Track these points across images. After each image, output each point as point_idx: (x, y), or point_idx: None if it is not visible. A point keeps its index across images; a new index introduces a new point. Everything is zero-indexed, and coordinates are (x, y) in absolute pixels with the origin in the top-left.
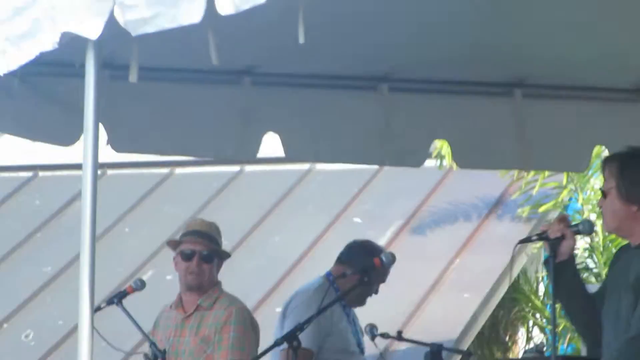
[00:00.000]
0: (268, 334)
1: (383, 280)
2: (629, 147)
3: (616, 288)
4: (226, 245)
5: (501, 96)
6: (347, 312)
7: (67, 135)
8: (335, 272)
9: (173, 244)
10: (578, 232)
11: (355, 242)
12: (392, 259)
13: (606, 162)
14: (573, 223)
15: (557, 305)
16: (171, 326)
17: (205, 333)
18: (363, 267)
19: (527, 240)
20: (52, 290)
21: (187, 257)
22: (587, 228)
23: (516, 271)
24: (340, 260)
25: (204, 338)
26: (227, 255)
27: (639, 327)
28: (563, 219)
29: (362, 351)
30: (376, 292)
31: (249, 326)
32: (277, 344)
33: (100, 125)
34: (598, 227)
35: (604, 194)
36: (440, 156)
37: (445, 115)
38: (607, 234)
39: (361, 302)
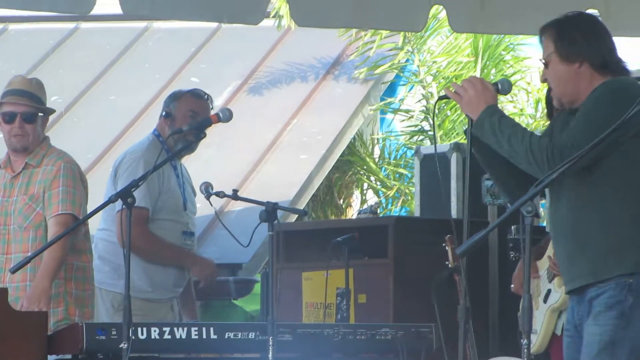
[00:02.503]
0: (103, 191)
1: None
2: (564, 14)
3: None
4: (61, 102)
5: None
6: (174, 166)
7: None
8: (160, 126)
9: None
10: (498, 90)
11: (178, 92)
12: (230, 114)
13: (543, 30)
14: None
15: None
16: (0, 185)
17: (34, 191)
18: (199, 123)
19: (444, 97)
20: None
21: (9, 118)
22: (506, 87)
23: (354, 128)
24: (167, 115)
25: (32, 196)
26: (50, 111)
27: (564, 136)
28: (479, 77)
29: (185, 208)
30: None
31: (78, 180)
32: (111, 200)
33: None
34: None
35: (546, 64)
36: (278, 16)
37: None
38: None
39: (191, 151)
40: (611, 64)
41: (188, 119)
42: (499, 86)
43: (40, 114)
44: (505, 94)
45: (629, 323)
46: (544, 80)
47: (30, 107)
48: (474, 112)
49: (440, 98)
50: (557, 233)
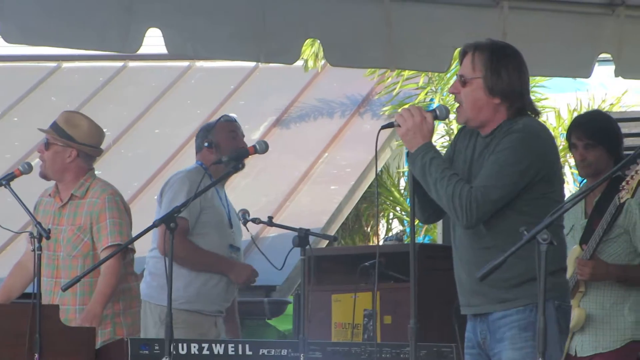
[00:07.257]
0: (148, 217)
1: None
2: (492, 40)
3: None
4: (110, 135)
5: None
6: (217, 191)
7: None
8: (203, 157)
9: None
10: (436, 117)
11: (208, 124)
12: (266, 147)
13: (475, 50)
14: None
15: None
16: (50, 213)
17: (82, 222)
18: (238, 154)
19: (389, 125)
20: None
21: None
22: (444, 113)
23: (381, 162)
24: (210, 145)
25: (80, 227)
26: (68, 137)
27: (479, 187)
28: (418, 107)
29: (231, 225)
30: None
31: (122, 210)
32: (155, 225)
33: None
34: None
35: (464, 82)
36: (305, 59)
37: (318, 15)
38: None
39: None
40: (527, 107)
41: (231, 140)
42: (437, 113)
43: (58, 144)
44: (444, 120)
45: None
46: (453, 92)
47: (49, 135)
48: (411, 145)
49: (383, 127)
50: (462, 260)
